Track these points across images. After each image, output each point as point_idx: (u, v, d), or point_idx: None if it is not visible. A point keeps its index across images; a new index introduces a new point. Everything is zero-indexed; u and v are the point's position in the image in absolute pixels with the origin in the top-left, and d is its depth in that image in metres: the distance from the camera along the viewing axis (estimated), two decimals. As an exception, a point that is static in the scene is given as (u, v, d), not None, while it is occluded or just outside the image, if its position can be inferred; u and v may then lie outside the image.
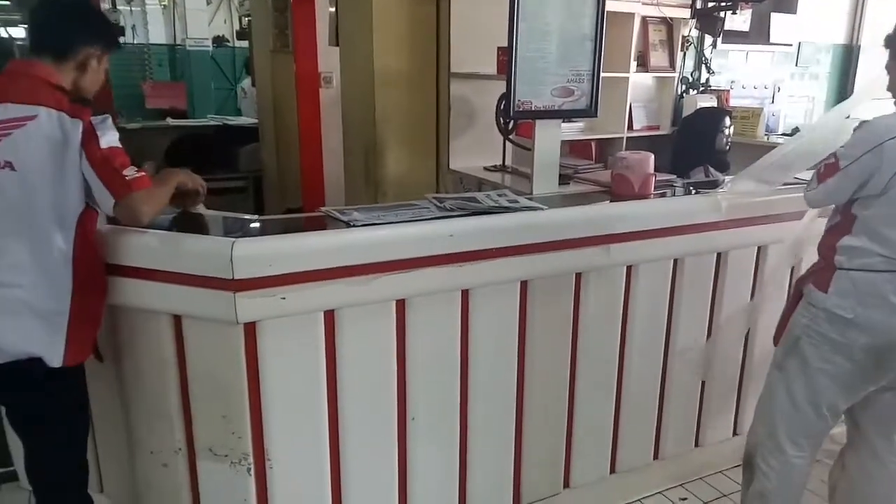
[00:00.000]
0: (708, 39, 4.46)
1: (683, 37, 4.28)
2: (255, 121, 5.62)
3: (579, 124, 4.02)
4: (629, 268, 2.20)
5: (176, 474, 1.83)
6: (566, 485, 2.32)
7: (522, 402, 2.14)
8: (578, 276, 2.10)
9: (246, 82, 7.29)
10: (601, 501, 2.39)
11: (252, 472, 1.77)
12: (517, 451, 2.18)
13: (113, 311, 1.80)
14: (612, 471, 2.41)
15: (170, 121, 5.74)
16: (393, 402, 1.91)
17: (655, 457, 2.49)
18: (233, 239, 1.61)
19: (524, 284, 2.02)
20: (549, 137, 2.26)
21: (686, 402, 2.49)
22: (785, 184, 2.24)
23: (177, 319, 1.72)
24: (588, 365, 2.21)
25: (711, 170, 3.05)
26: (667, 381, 2.40)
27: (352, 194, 3.18)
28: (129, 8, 8.10)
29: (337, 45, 3.23)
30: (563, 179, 2.45)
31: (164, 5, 8.21)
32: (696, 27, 4.27)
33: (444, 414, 2.01)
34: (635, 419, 2.38)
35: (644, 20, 4.02)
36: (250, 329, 1.68)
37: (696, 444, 2.58)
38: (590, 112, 2.27)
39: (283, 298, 1.66)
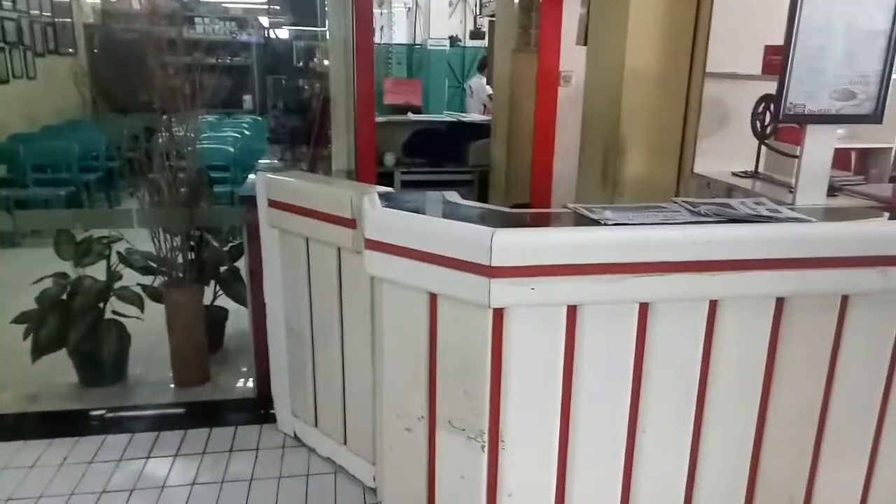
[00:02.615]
0: None
1: None
2: (487, 118, 5.86)
3: (839, 131, 3.61)
4: (908, 296, 1.94)
5: (417, 440, 1.99)
6: (803, 523, 2.13)
7: (763, 429, 1.99)
8: (845, 298, 1.91)
9: (473, 80, 7.62)
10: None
11: (486, 449, 1.87)
12: (752, 477, 2.04)
13: (378, 285, 2.01)
14: (860, 518, 2.16)
15: (410, 116, 6.19)
16: (626, 403, 1.89)
17: (917, 513, 2.18)
18: (493, 228, 1.70)
19: (780, 302, 1.88)
20: (822, 144, 2.08)
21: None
22: None
23: (433, 297, 1.86)
24: (846, 396, 1.99)
25: None
26: (941, 430, 2.09)
27: (585, 193, 3.18)
28: (379, 11, 8.88)
29: (585, 44, 3.25)
30: (830, 191, 2.23)
31: (409, 8, 8.88)
32: None
33: (677, 427, 1.94)
34: (894, 468, 2.10)
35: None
36: (498, 314, 1.77)
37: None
38: (875, 118, 2.04)
39: (533, 289, 1.72)
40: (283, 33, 10.71)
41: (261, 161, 4.31)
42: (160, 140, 3.10)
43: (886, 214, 2.07)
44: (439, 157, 5.74)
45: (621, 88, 2.75)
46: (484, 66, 7.39)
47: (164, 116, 3.06)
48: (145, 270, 3.25)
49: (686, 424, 1.95)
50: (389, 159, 5.56)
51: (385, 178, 5.36)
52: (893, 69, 2.02)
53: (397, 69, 9.32)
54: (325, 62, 3.69)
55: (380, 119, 5.76)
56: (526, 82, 4.37)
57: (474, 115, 6.67)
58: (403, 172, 5.59)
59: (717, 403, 1.93)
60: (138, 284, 3.24)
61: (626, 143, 2.80)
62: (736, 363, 1.91)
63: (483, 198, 5.58)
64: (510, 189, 4.91)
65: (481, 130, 5.78)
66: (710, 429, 1.96)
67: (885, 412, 2.05)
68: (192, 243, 3.20)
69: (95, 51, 9.14)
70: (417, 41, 9.37)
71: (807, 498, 2.10)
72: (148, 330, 3.23)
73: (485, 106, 7.08)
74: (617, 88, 2.77)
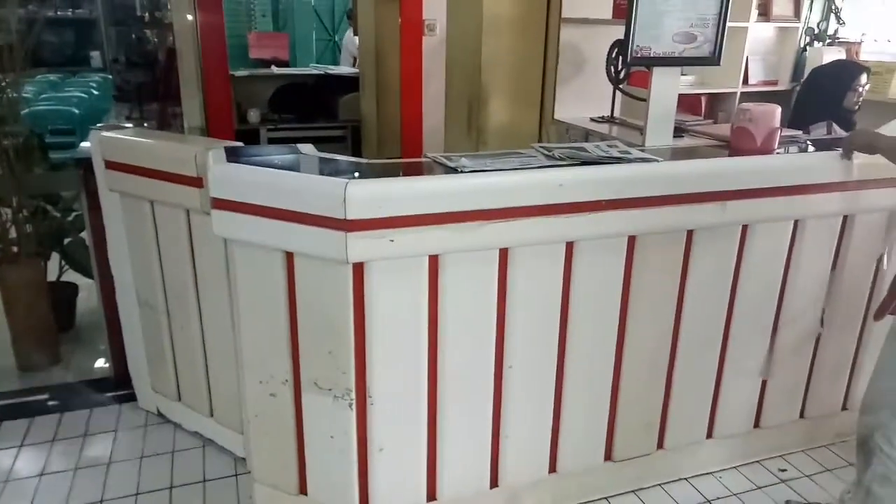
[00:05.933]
0: (841, -14, 4.10)
1: (813, -17, 3.96)
2: (356, 71, 5.67)
3: (689, 78, 3.82)
4: (744, 227, 2.08)
5: (282, 404, 1.91)
6: (660, 446, 2.28)
7: (621, 359, 2.09)
8: (690, 233, 2.01)
9: (346, 35, 7.35)
10: (696, 465, 2.34)
11: (353, 407, 1.83)
12: (612, 407, 2.15)
13: (230, 246, 1.89)
14: (709, 436, 2.34)
15: (274, 69, 5.88)
16: (491, 349, 1.91)
17: (756, 425, 2.40)
18: (346, 180, 1.63)
19: (632, 239, 1.96)
20: (667, 86, 2.15)
21: (793, 372, 2.37)
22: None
23: (289, 256, 1.77)
24: (692, 325, 2.13)
25: (835, 127, 2.85)
26: (774, 348, 2.29)
27: (452, 143, 3.16)
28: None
29: (444, -10, 3.18)
30: (677, 133, 2.33)
31: (271, -46, 8.38)
32: (828, -28, 3.93)
33: (541, 365, 2.00)
34: (738, 385, 2.29)
35: (770, -36, 3.74)
36: (358, 269, 1.72)
37: (801, 416, 2.46)
38: (713, 60, 2.13)
39: (392, 241, 1.68)
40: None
41: (103, 122, 3.94)
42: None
43: (726, 152, 2.19)
44: (308, 112, 5.51)
45: (481, 36, 2.71)
46: (351, 16, 7.13)
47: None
48: (-29, 247, 2.89)
49: (549, 364, 2.00)
50: (254, 115, 5.26)
51: (250, 136, 5.08)
52: (728, 12, 2.11)
53: (262, 22, 8.82)
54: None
55: (240, 73, 5.45)
56: (391, 32, 4.25)
57: (343, 68, 6.45)
58: (270, 129, 5.31)
59: (577, 340, 2.00)
60: (-36, 263, 2.89)
61: (487, 92, 2.78)
62: (593, 301, 1.98)
63: (356, 153, 5.44)
64: (382, 143, 4.81)
65: (351, 83, 5.59)
66: (572, 365, 2.02)
67: (728, 337, 2.21)
68: (25, 214, 2.88)
69: None
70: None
71: (661, 424, 2.24)
72: (-20, 313, 2.90)
73: (355, 59, 6.86)
74: (477, 36, 2.74)
